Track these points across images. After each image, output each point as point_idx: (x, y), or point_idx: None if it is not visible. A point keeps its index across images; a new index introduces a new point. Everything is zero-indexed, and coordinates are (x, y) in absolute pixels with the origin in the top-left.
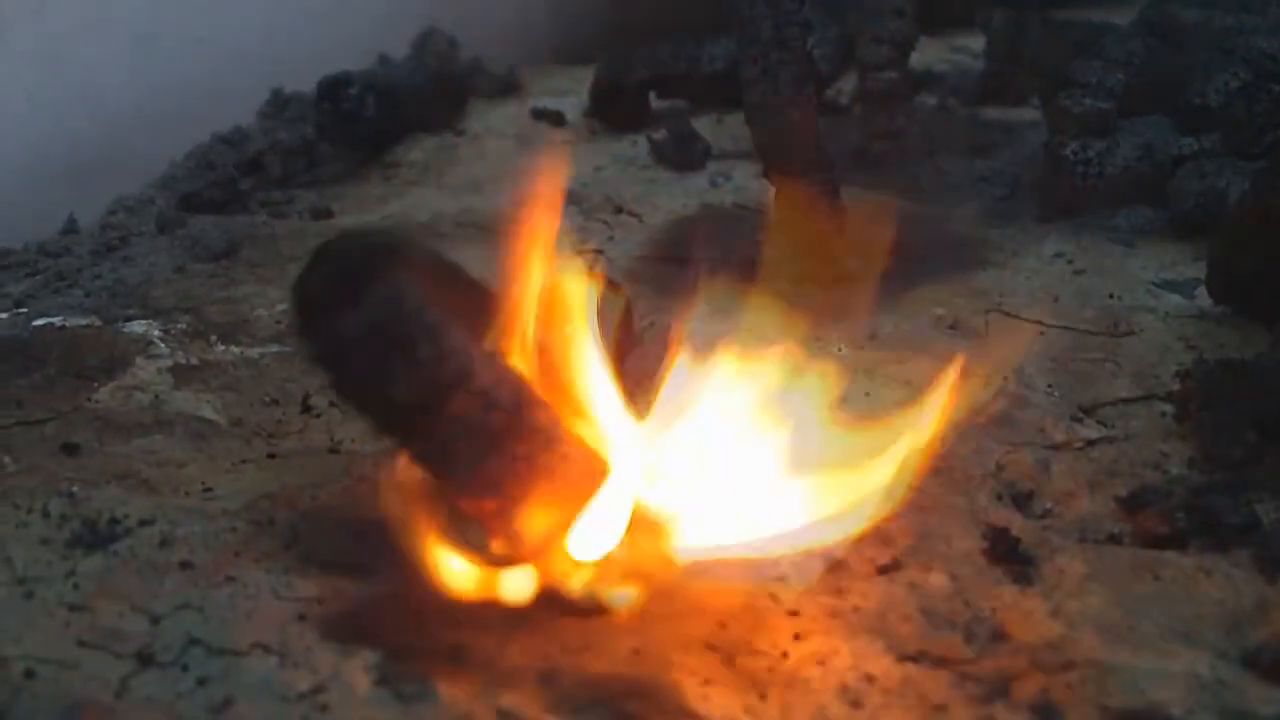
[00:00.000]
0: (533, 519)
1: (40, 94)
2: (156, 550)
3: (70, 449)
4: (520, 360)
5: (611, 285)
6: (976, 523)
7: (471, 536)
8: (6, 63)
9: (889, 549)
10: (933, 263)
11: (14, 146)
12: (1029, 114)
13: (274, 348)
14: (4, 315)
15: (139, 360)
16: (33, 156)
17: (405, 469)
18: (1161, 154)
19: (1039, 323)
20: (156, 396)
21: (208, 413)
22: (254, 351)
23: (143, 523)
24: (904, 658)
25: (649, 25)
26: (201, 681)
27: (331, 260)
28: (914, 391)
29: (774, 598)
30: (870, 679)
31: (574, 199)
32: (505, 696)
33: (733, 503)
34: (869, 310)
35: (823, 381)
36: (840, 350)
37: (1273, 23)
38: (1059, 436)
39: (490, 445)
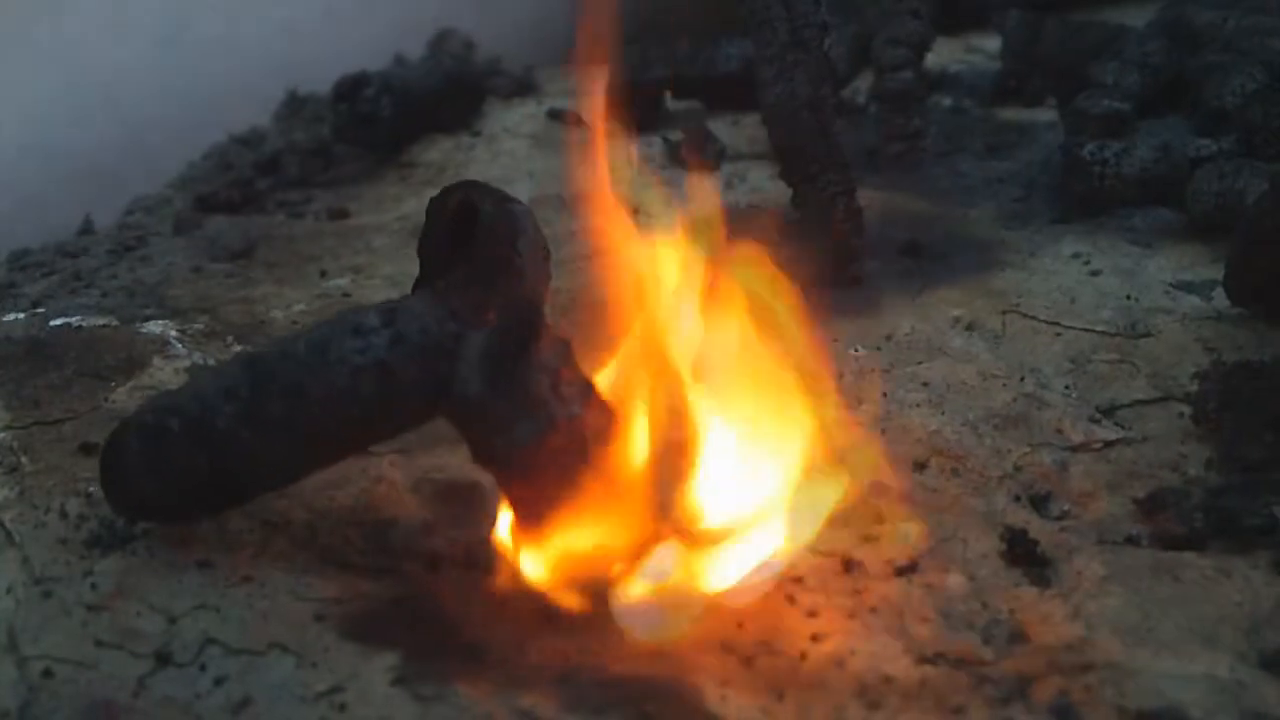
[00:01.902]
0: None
1: (59, 95)
2: (174, 550)
3: (88, 449)
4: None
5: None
6: (994, 524)
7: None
8: (26, 63)
9: (906, 550)
10: (950, 264)
11: (32, 147)
12: (1045, 115)
13: None
14: (21, 315)
15: (156, 361)
16: (51, 156)
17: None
18: (1179, 155)
19: (1056, 324)
20: None
21: None
22: None
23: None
24: (922, 659)
25: (665, 26)
26: (219, 681)
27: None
28: (931, 393)
29: (791, 599)
30: (888, 680)
31: (587, 200)
32: (524, 697)
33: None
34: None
35: None
36: (856, 350)
37: None
38: (1077, 438)
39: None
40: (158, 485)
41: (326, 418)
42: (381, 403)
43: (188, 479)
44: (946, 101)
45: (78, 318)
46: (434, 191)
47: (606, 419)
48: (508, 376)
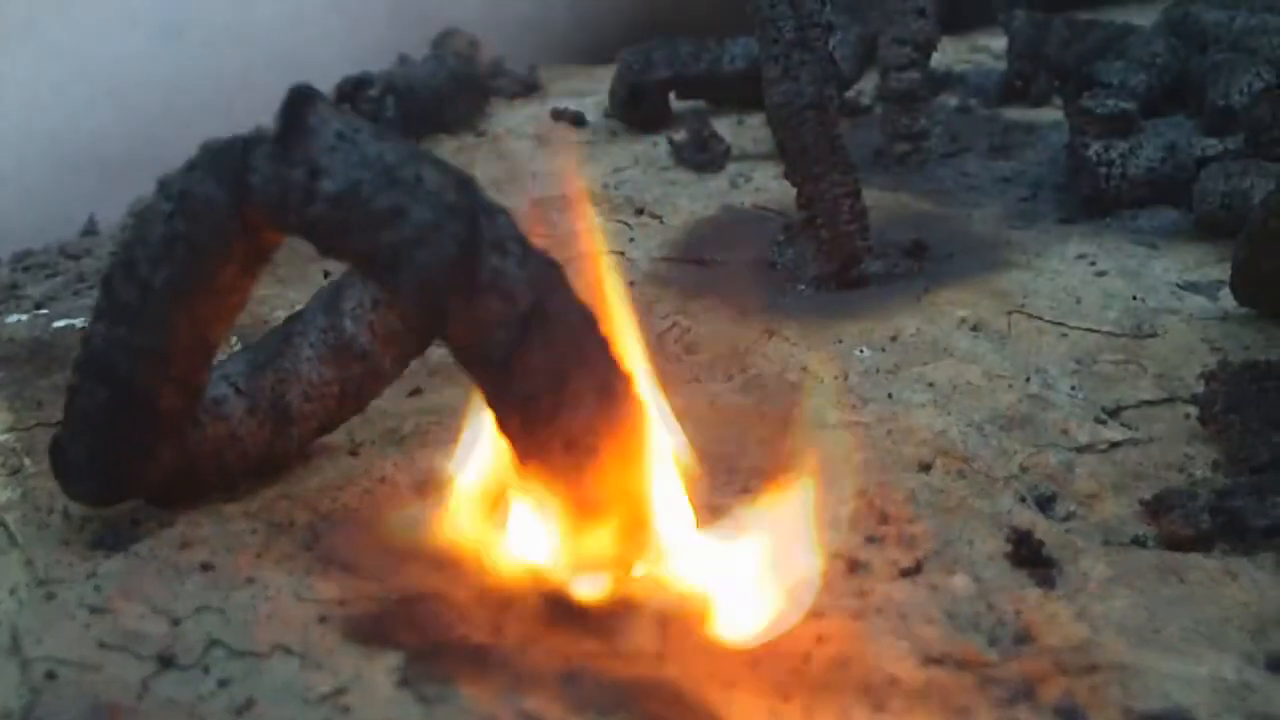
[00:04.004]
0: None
1: (65, 91)
2: (177, 552)
3: None
4: None
5: None
6: (1000, 525)
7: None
8: (32, 58)
9: (912, 551)
10: (955, 264)
11: (36, 142)
12: (1051, 115)
13: None
14: (25, 317)
15: None
16: (54, 153)
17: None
18: (1185, 155)
19: (1062, 324)
20: None
21: None
22: None
23: (163, 524)
24: (927, 661)
25: (669, 25)
26: (223, 683)
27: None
28: (937, 394)
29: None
30: (894, 682)
31: (594, 200)
32: (528, 699)
33: None
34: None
35: None
36: (861, 351)
37: None
38: (1083, 438)
39: None
40: (85, 446)
41: (167, 273)
42: (200, 230)
43: (101, 422)
44: (952, 102)
45: (81, 319)
46: None
47: (408, 150)
48: (297, 149)
